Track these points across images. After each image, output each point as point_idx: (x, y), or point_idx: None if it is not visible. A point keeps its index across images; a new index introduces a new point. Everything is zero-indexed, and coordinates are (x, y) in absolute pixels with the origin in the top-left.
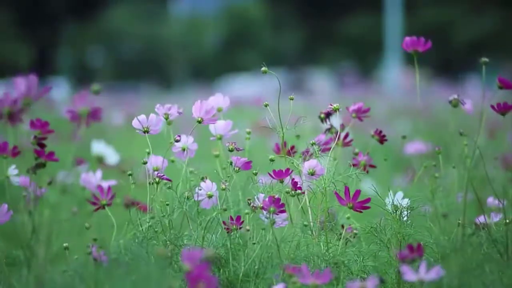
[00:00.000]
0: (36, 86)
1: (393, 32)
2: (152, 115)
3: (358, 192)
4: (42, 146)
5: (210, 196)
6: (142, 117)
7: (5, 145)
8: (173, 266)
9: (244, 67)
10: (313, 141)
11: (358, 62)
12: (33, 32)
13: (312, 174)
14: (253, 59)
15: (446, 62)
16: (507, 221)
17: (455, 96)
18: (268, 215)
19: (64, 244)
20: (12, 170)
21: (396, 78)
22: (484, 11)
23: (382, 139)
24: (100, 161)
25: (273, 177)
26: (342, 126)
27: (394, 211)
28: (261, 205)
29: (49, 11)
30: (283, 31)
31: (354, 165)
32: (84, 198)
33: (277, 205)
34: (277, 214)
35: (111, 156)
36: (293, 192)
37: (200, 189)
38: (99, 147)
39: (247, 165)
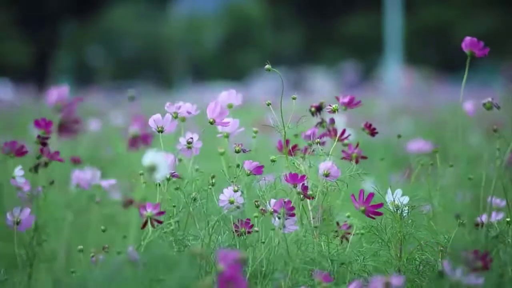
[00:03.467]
0: (67, 95)
1: (393, 31)
2: (167, 115)
3: (371, 195)
4: (45, 145)
5: (231, 202)
6: (157, 116)
7: (13, 144)
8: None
9: (244, 67)
10: (309, 136)
11: (358, 61)
12: (33, 31)
13: (327, 175)
14: (253, 59)
15: (446, 61)
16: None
17: (489, 99)
18: (277, 217)
19: (79, 247)
20: (18, 171)
21: (396, 77)
22: (484, 10)
23: (372, 132)
24: (151, 171)
25: (288, 182)
26: (332, 120)
27: (395, 210)
28: (272, 210)
29: (49, 11)
30: (283, 30)
31: (345, 158)
32: (82, 197)
33: (288, 208)
34: (287, 218)
35: (163, 168)
36: (302, 196)
37: (222, 195)
38: (152, 156)
39: (259, 169)
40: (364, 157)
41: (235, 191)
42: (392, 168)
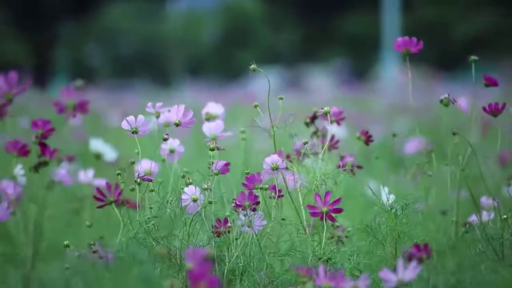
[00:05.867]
0: (16, 83)
1: (391, 30)
2: (140, 116)
3: (328, 194)
4: (43, 145)
5: (194, 200)
6: (131, 118)
7: (16, 143)
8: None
9: (242, 65)
10: (299, 149)
11: (356, 60)
12: (31, 31)
13: (276, 169)
14: (251, 57)
15: (444, 60)
16: (503, 217)
17: (446, 95)
18: (245, 213)
19: (65, 242)
20: (18, 170)
21: (394, 76)
22: (482, 9)
23: (368, 140)
24: (97, 158)
25: (245, 185)
26: (325, 129)
27: (390, 209)
28: (235, 205)
29: (46, 10)
30: (280, 28)
31: (340, 166)
32: (72, 195)
33: (251, 198)
34: (253, 211)
35: (109, 153)
36: (273, 196)
37: (184, 194)
38: (96, 144)
39: (226, 168)
40: (359, 167)
41: (205, 189)
42: (390, 167)
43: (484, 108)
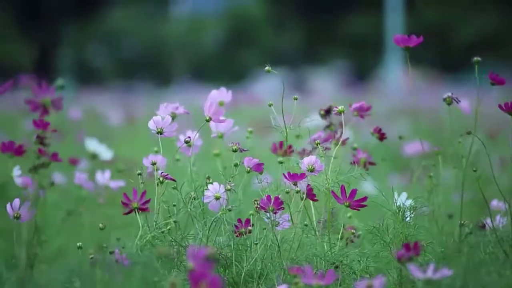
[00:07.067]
0: (48, 88)
1: (394, 32)
2: (168, 117)
3: (354, 191)
4: (45, 145)
5: (217, 198)
6: (157, 118)
7: (10, 144)
8: (178, 267)
9: (245, 67)
10: (316, 139)
11: (359, 61)
12: (34, 31)
13: (311, 170)
14: (254, 59)
15: (447, 61)
16: None
17: (449, 94)
18: (269, 216)
19: (78, 244)
20: (16, 171)
21: (397, 78)
22: (485, 11)
23: (381, 136)
24: (94, 157)
25: (288, 180)
26: (341, 124)
27: (397, 212)
28: (260, 207)
29: (49, 10)
30: (283, 30)
31: (353, 162)
32: (78, 197)
33: (276, 203)
34: (276, 213)
35: (105, 153)
36: (304, 196)
37: (207, 191)
38: (92, 144)
39: (259, 166)
40: (372, 163)
41: (228, 189)
42: (393, 169)
43: (500, 106)
